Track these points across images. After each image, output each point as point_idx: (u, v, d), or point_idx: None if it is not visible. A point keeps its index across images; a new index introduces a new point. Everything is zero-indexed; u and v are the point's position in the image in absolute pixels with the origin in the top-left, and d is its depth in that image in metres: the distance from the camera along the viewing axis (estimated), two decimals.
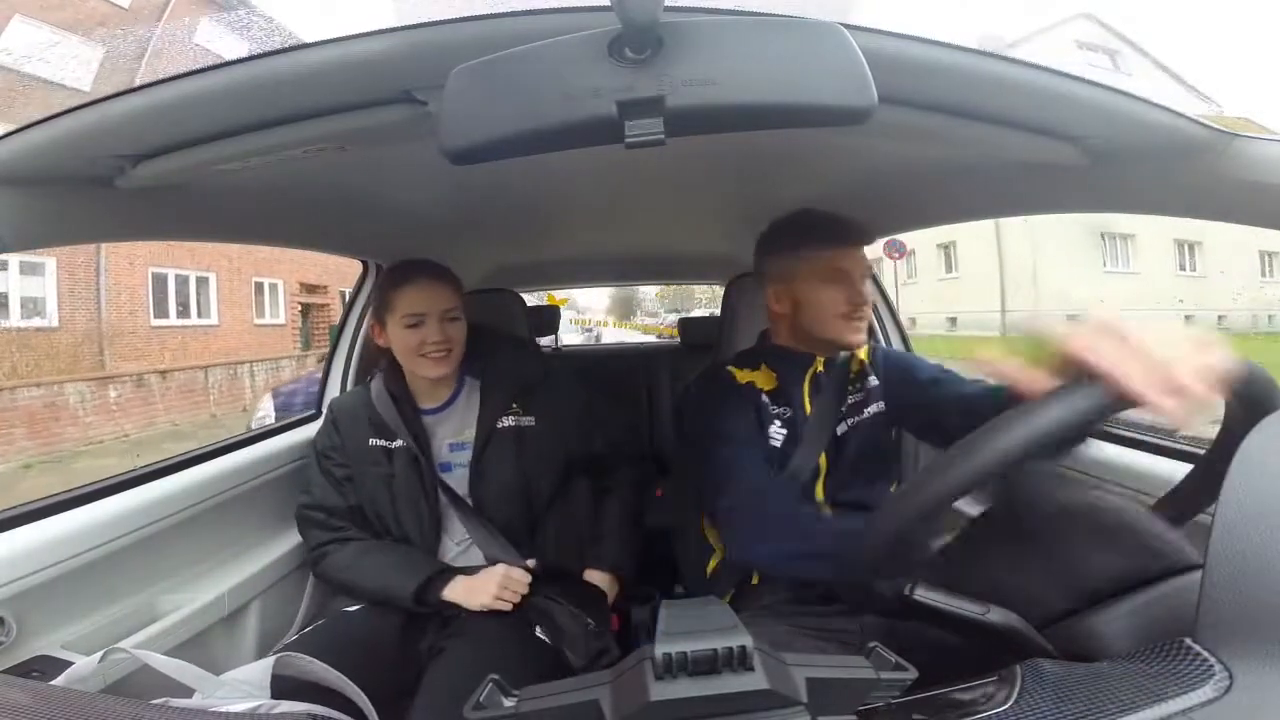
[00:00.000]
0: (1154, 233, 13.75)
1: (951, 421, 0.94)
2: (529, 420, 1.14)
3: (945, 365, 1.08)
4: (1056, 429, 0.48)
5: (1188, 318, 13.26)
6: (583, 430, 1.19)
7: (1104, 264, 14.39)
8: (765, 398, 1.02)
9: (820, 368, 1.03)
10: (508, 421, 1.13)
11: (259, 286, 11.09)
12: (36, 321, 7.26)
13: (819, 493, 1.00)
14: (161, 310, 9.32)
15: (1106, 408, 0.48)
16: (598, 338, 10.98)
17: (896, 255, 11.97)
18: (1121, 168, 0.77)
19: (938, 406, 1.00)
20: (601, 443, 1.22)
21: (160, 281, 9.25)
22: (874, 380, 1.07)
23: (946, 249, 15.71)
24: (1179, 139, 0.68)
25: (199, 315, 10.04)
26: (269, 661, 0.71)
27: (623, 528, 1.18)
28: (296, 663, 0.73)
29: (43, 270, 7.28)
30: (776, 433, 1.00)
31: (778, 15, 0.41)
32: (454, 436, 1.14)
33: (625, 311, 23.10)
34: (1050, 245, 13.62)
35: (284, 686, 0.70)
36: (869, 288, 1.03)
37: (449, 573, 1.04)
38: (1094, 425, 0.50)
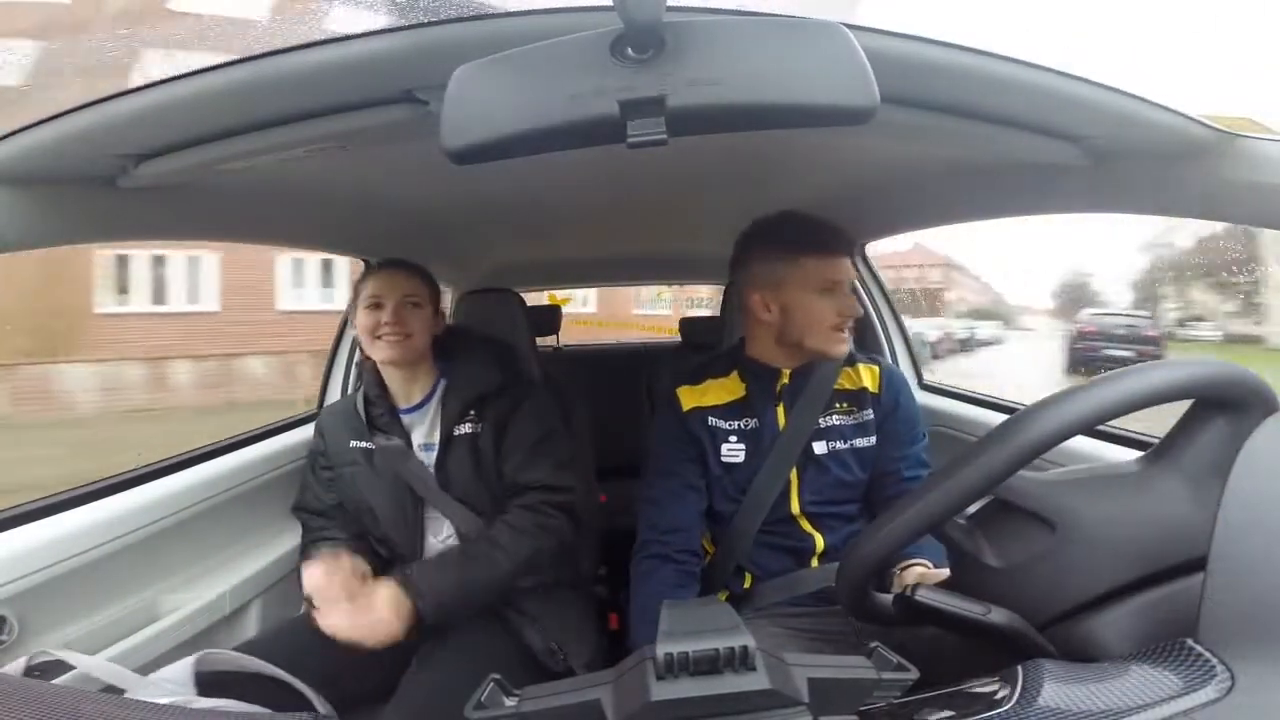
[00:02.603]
0: None
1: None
2: (480, 428, 1.10)
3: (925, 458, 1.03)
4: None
5: None
6: (523, 457, 1.08)
7: None
8: (716, 418, 1.00)
9: (786, 379, 1.01)
10: (464, 429, 1.09)
11: None
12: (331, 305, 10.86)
13: (794, 505, 0.99)
14: None
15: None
16: None
17: None
18: (1124, 168, 0.77)
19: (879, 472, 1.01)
20: (541, 477, 1.08)
21: None
22: (870, 414, 1.01)
23: None
24: (1182, 139, 0.68)
25: None
26: (191, 659, 0.72)
27: (470, 562, 0.99)
28: (218, 658, 0.74)
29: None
30: (732, 450, 0.99)
31: (780, 15, 0.41)
32: (425, 438, 1.12)
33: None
34: None
35: (212, 681, 0.70)
36: (854, 298, 1.01)
37: None
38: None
